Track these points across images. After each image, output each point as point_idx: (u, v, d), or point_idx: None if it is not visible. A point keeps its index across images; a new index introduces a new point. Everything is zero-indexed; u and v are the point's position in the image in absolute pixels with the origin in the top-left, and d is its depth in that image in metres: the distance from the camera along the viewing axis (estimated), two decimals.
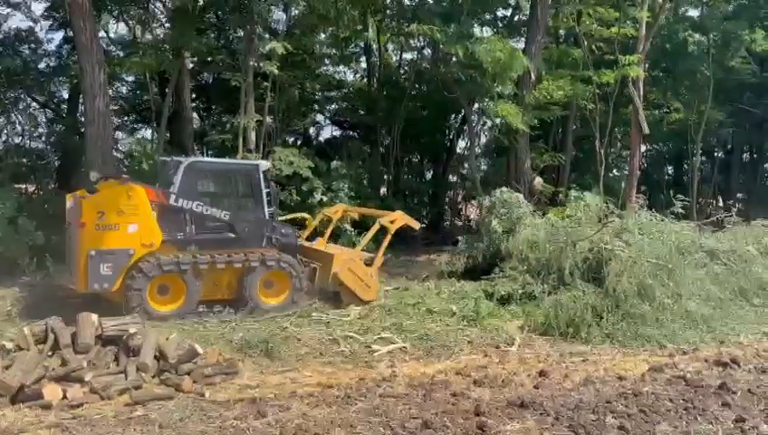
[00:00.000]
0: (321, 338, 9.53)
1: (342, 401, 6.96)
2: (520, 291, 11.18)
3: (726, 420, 6.37)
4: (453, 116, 25.48)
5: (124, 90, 22.54)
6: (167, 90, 17.74)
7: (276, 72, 15.56)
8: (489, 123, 23.62)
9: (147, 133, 21.60)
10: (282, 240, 11.08)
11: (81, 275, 9.53)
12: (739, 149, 29.38)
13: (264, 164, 11.44)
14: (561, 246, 11.49)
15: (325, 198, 16.66)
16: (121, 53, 19.57)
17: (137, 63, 17.08)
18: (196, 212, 10.33)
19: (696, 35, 22.43)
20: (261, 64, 15.57)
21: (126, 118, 22.62)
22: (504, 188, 14.81)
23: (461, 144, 26.54)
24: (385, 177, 23.60)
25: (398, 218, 12.14)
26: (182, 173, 10.22)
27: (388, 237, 11.79)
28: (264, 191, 10.88)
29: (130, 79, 21.36)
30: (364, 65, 24.93)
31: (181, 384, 7.20)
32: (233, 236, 10.63)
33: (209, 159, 11.62)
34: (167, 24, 19.06)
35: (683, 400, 6.91)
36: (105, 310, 8.76)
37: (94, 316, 7.95)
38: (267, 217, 10.92)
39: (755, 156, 29.92)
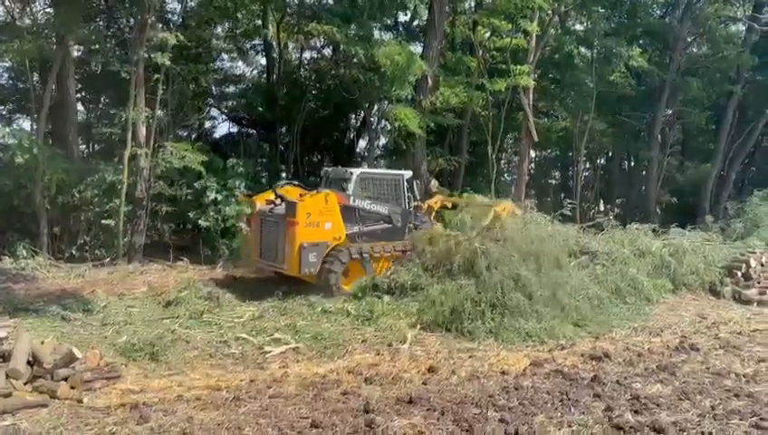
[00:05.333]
0: (212, 340, 9.33)
1: (231, 403, 6.83)
2: (410, 282, 11.69)
3: (597, 410, 6.84)
4: (353, 117, 25.64)
5: None
6: (48, 78, 16.59)
7: (168, 63, 14.94)
8: (388, 125, 23.97)
9: (25, 124, 20.12)
10: (420, 226, 13.93)
11: (294, 262, 11.94)
12: (618, 157, 31.52)
13: (407, 173, 14.39)
14: (453, 243, 11.97)
15: (219, 197, 16.22)
16: None
17: (13, 49, 15.86)
18: (366, 210, 13.07)
19: (582, 48, 23.89)
20: (152, 56, 14.87)
21: (1, 106, 20.95)
22: None
23: (361, 144, 26.76)
24: (284, 175, 23.35)
25: (507, 207, 14.69)
26: (354, 181, 13.10)
27: (499, 223, 13.54)
28: (407, 193, 13.80)
29: (7, 64, 19.77)
30: (263, 62, 24.57)
31: (57, 391, 6.78)
32: (389, 226, 13.31)
33: (371, 169, 15.35)
34: (49, 9, 17.81)
35: (559, 392, 7.35)
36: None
37: None
38: (408, 210, 13.81)
39: (632, 164, 32.20)
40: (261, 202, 13.18)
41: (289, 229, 12.07)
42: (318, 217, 12.10)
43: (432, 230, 13.51)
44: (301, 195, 12.78)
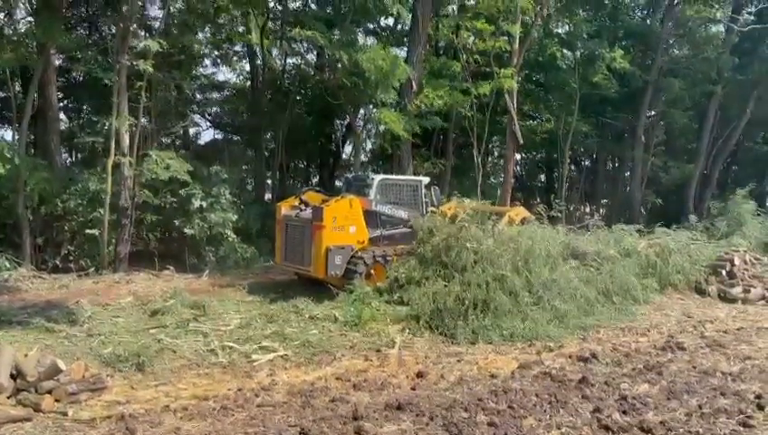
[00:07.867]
0: (199, 349, 9.21)
1: (218, 412, 6.76)
2: (404, 275, 11.76)
3: (585, 412, 6.84)
4: (338, 122, 25.63)
5: None
6: (30, 87, 16.40)
7: (151, 70, 14.83)
8: (374, 130, 23.98)
9: (7, 134, 19.93)
10: None
11: (321, 264, 12.22)
12: (603, 158, 31.73)
13: (426, 179, 14.62)
14: (450, 243, 11.97)
15: (205, 204, 16.11)
16: None
17: None
18: (387, 214, 13.45)
19: (565, 51, 24.06)
20: (135, 63, 14.76)
21: None
22: None
23: (347, 149, 26.75)
24: (269, 181, 23.29)
25: (520, 212, 15.25)
26: (376, 186, 13.34)
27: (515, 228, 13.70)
28: (425, 199, 14.08)
29: None
30: (247, 68, 24.49)
31: (41, 404, 6.69)
32: (409, 230, 13.33)
33: (391, 175, 15.30)
34: (30, 18, 17.63)
35: (547, 394, 7.34)
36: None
37: None
38: (426, 214, 13.83)
39: (617, 165, 32.43)
40: (286, 208, 13.68)
41: (316, 233, 12.43)
42: (343, 222, 12.50)
43: (434, 219, 13.35)
44: (323, 200, 13.11)
